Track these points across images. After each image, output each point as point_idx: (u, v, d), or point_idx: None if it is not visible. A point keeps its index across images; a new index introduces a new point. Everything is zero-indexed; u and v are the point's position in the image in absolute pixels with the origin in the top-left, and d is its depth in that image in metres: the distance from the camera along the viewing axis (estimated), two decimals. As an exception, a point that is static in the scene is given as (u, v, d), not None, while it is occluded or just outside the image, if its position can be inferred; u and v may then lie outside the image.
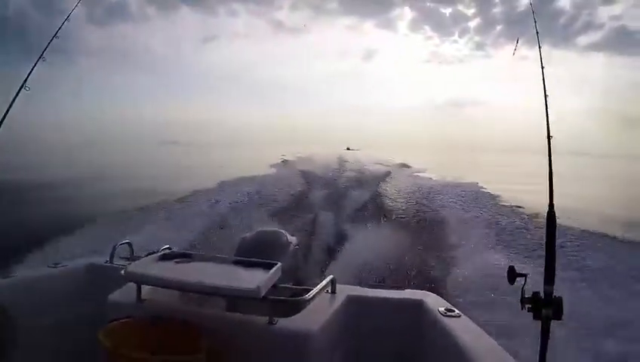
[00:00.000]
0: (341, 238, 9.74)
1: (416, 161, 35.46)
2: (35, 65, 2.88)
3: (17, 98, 2.73)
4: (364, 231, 10.40)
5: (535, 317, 1.93)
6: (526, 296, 1.93)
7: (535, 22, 3.15)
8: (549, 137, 2.37)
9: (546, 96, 2.58)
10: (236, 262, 2.24)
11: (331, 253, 8.69)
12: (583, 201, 13.89)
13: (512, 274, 2.00)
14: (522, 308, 1.92)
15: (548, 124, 2.43)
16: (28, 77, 2.82)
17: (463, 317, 2.30)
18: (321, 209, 13.14)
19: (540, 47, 2.91)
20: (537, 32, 3.09)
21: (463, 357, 1.94)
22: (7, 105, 2.67)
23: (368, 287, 2.71)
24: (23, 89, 2.77)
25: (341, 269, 7.17)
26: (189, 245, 8.15)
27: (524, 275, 1.98)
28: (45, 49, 2.94)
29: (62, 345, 2.60)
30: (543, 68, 2.77)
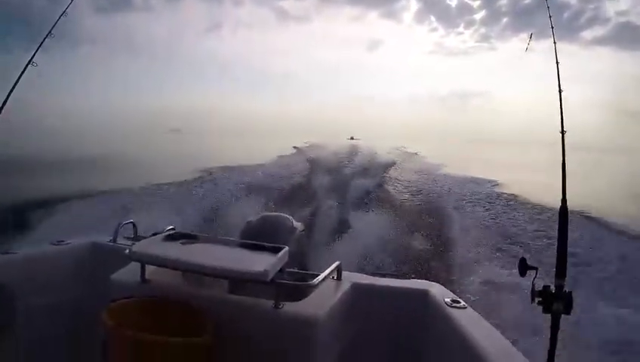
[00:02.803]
0: (345, 225, 9.75)
1: (421, 151, 35.52)
2: (44, 40, 2.85)
3: (25, 73, 2.71)
4: (368, 218, 10.42)
5: (545, 311, 1.91)
6: (536, 289, 1.92)
7: (550, 17, 3.10)
8: (562, 132, 2.35)
9: (560, 91, 2.55)
10: (242, 245, 2.21)
11: (336, 238, 8.68)
12: (590, 195, 13.81)
13: (524, 266, 1.98)
14: (532, 301, 1.91)
15: (562, 119, 2.42)
16: (36, 52, 2.80)
17: (469, 308, 2.27)
18: (327, 196, 13.26)
19: (554, 43, 2.88)
20: (552, 27, 3.06)
21: (468, 349, 1.91)
22: (15, 80, 2.65)
23: (373, 275, 2.68)
24: (30, 64, 2.75)
25: (345, 256, 7.14)
26: (192, 227, 8.13)
27: (536, 268, 1.97)
28: (54, 25, 2.92)
29: (64, 324, 2.59)
30: (557, 63, 2.73)
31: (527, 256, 2.04)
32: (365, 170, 20.18)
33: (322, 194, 13.59)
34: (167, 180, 14.08)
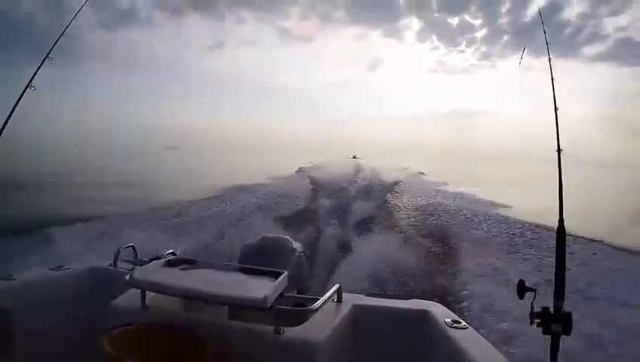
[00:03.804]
0: (347, 247, 9.71)
1: (423, 170, 35.63)
2: (42, 64, 2.85)
3: (23, 97, 2.71)
4: (370, 238, 10.38)
5: (544, 332, 1.91)
6: (535, 311, 1.91)
7: (545, 33, 3.11)
8: (559, 151, 2.35)
9: (556, 109, 2.54)
10: (242, 270, 2.20)
11: (337, 260, 8.63)
12: (589, 212, 13.78)
13: (522, 289, 1.97)
14: (531, 323, 1.90)
15: (558, 137, 2.40)
16: (34, 76, 2.79)
17: (470, 328, 2.27)
18: (329, 217, 13.26)
19: (550, 60, 2.88)
20: (547, 44, 3.05)
21: None
22: (13, 104, 2.65)
23: (374, 296, 2.66)
24: (28, 88, 2.75)
25: (346, 277, 7.10)
26: (192, 250, 8.10)
27: (534, 290, 1.96)
28: (52, 48, 2.92)
29: (63, 349, 2.56)
30: (553, 80, 2.74)
31: (526, 279, 2.03)
32: (368, 190, 20.22)
33: (324, 216, 13.60)
34: (167, 201, 14.07)
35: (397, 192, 20.33)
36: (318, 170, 29.01)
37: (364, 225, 12.57)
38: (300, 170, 31.25)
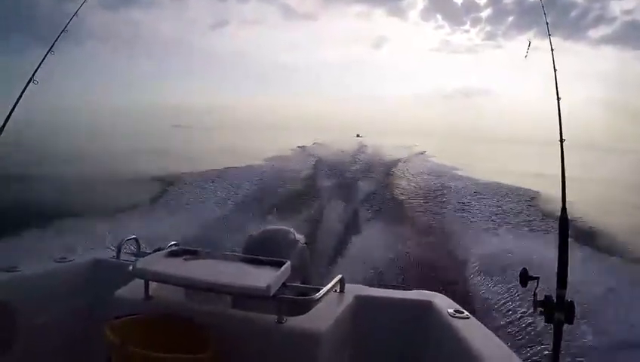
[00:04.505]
0: (349, 232, 9.67)
1: (426, 149, 35.46)
2: (44, 58, 2.85)
3: (25, 91, 2.71)
4: (372, 226, 10.34)
5: (547, 321, 1.94)
6: (538, 299, 1.94)
7: (547, 24, 3.10)
8: (561, 140, 2.35)
9: (558, 98, 2.54)
10: (245, 260, 2.21)
11: (338, 249, 8.60)
12: (592, 196, 13.66)
13: (525, 277, 1.99)
14: (534, 311, 1.93)
15: (561, 127, 2.43)
16: (37, 70, 2.80)
17: (472, 318, 2.27)
18: (332, 199, 13.17)
19: (552, 50, 2.89)
20: (549, 35, 3.06)
21: (472, 359, 1.90)
22: (16, 99, 2.66)
23: (376, 287, 2.68)
24: (31, 82, 2.76)
25: (348, 266, 7.17)
26: (195, 237, 8.13)
27: (537, 278, 1.98)
28: (54, 43, 2.92)
29: (66, 341, 2.58)
30: (555, 71, 2.74)
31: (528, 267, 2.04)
32: (371, 170, 20.14)
33: (327, 197, 13.53)
34: (173, 180, 14.06)
35: (400, 171, 20.20)
36: (321, 148, 28.87)
37: (367, 205, 12.56)
38: (302, 148, 31.05)
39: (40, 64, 2.80)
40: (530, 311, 1.96)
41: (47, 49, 2.82)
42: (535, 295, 1.92)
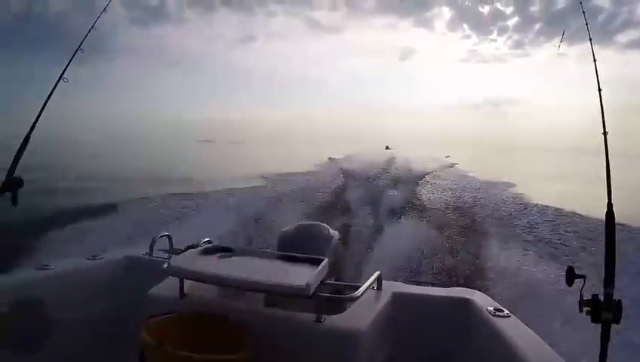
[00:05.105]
0: (380, 235, 9.62)
1: (457, 161, 35.18)
2: (74, 56, 2.87)
3: (56, 89, 2.73)
4: (404, 227, 10.30)
5: (594, 321, 1.84)
6: (585, 299, 1.84)
7: (584, 12, 3.07)
8: (605, 133, 2.26)
9: (600, 90, 2.46)
10: (281, 257, 2.20)
11: (372, 246, 8.56)
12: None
13: (571, 275, 1.90)
14: (580, 311, 1.83)
15: (603, 119, 2.34)
16: (66, 68, 2.80)
17: (513, 317, 2.23)
18: (362, 206, 13.18)
19: (590, 40, 2.83)
20: (587, 24, 2.99)
21: (513, 358, 1.87)
22: (46, 97, 2.68)
23: (413, 284, 2.62)
24: (61, 80, 2.77)
25: (380, 263, 7.02)
26: (227, 239, 8.14)
27: (583, 277, 1.90)
28: (83, 40, 2.94)
29: (99, 339, 2.60)
30: (595, 60, 2.67)
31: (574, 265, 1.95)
32: (401, 181, 20.03)
33: (357, 204, 13.52)
34: (200, 189, 14.21)
35: (430, 184, 20.07)
36: (351, 160, 28.90)
37: (397, 216, 12.45)
38: (332, 160, 31.13)
39: (70, 61, 2.79)
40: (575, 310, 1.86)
41: (76, 48, 2.85)
42: (581, 294, 1.83)
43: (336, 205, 13.55)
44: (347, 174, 20.85)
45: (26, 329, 2.31)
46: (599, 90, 2.45)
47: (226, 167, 29.38)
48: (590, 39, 2.85)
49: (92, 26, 2.98)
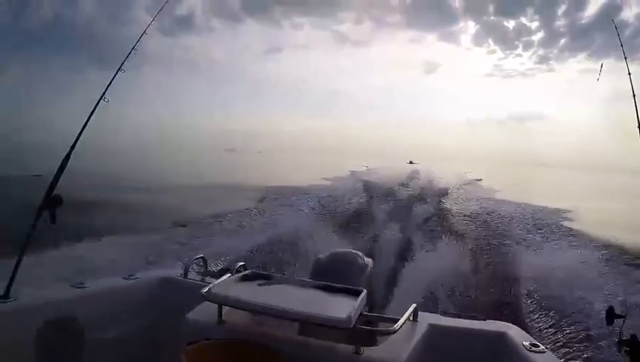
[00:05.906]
0: (406, 255, 9.48)
1: (481, 176, 34.80)
2: (115, 76, 2.93)
3: (97, 109, 2.79)
4: (431, 248, 10.13)
5: (633, 361, 1.80)
6: (624, 339, 1.82)
7: (616, 27, 3.12)
8: None
9: (634, 95, 2.48)
10: (318, 287, 2.21)
11: (396, 272, 8.38)
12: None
13: (611, 315, 1.86)
14: (620, 351, 1.82)
15: (639, 120, 2.33)
16: (107, 88, 2.86)
17: (549, 352, 2.17)
18: (387, 223, 13.09)
19: (622, 45, 2.91)
20: (618, 34, 3.06)
21: None
22: (87, 116, 2.74)
23: (449, 316, 2.60)
24: (102, 100, 2.83)
25: (408, 288, 7.03)
26: (257, 257, 8.11)
27: (623, 316, 1.85)
28: (124, 61, 3.00)
29: (133, 359, 2.61)
30: (630, 74, 2.71)
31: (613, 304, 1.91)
32: (426, 196, 19.89)
33: (382, 221, 13.42)
34: (226, 207, 14.25)
35: (454, 200, 19.83)
36: (372, 174, 28.77)
37: (421, 233, 12.29)
38: (352, 173, 31.06)
39: (111, 82, 2.86)
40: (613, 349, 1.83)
41: (118, 67, 2.91)
42: (621, 333, 1.80)
43: (357, 221, 13.38)
44: (368, 187, 20.81)
45: (61, 347, 2.35)
46: (633, 95, 2.48)
47: (235, 178, 29.25)
48: (625, 57, 2.90)
49: (133, 47, 3.06)
